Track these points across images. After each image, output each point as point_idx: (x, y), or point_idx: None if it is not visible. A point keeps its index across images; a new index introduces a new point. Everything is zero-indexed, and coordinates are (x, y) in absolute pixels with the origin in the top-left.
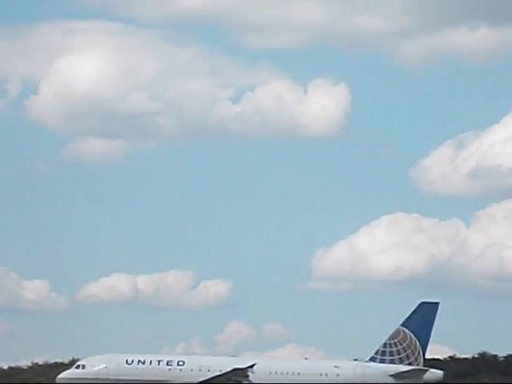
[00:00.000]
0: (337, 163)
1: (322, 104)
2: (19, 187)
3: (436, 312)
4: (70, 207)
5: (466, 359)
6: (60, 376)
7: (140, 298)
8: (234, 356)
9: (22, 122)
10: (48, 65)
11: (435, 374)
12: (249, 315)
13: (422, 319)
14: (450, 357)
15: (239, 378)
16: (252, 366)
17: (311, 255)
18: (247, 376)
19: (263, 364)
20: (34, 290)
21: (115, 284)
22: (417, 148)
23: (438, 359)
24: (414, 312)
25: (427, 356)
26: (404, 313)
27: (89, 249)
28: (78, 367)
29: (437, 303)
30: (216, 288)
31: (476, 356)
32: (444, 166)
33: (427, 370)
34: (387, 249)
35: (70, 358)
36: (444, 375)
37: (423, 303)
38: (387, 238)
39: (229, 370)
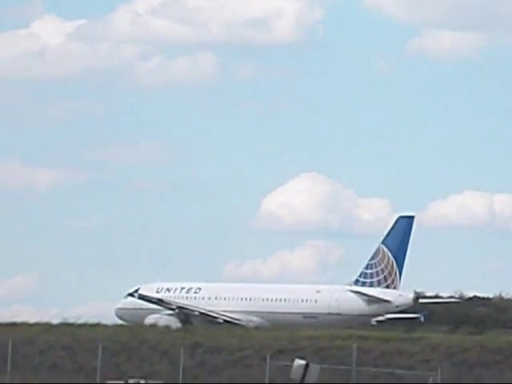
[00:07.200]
0: None
1: None
2: (363, 85)
3: (411, 227)
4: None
5: None
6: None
7: (497, 222)
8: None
9: (360, 10)
10: None
11: (405, 297)
12: None
13: (399, 235)
14: None
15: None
16: (136, 292)
17: None
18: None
19: (241, 287)
20: (371, 209)
21: (467, 203)
22: None
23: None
24: (392, 227)
25: None
26: None
27: (436, 161)
28: (125, 296)
29: (412, 217)
30: None
31: None
32: None
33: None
34: None
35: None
36: None
37: (401, 217)
38: None
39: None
